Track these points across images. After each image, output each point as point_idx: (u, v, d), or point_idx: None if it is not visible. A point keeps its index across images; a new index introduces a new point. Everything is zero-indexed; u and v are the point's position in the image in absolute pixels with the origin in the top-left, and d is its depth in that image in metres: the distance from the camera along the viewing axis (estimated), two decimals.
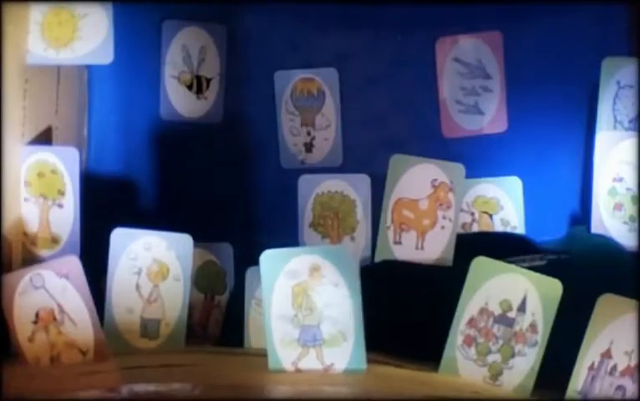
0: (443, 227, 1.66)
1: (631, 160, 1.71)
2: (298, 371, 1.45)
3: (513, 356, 1.47)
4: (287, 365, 1.46)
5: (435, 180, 1.66)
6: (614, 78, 1.75)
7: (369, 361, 1.47)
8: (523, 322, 1.47)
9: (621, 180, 1.72)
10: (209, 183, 1.83)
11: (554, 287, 1.47)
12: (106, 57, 1.68)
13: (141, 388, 1.36)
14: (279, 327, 1.45)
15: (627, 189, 1.71)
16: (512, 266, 1.49)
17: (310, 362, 1.46)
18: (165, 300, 1.60)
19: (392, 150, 1.69)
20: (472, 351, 1.48)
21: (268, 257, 1.46)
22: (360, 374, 1.45)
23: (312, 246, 1.53)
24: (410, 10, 1.81)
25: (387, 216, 1.67)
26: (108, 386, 1.40)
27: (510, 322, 1.47)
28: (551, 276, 1.47)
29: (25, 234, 1.63)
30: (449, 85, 1.84)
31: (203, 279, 1.70)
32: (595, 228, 1.72)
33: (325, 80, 1.83)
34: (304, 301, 1.45)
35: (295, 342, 1.46)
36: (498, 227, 1.81)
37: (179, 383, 1.38)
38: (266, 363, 1.46)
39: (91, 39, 1.67)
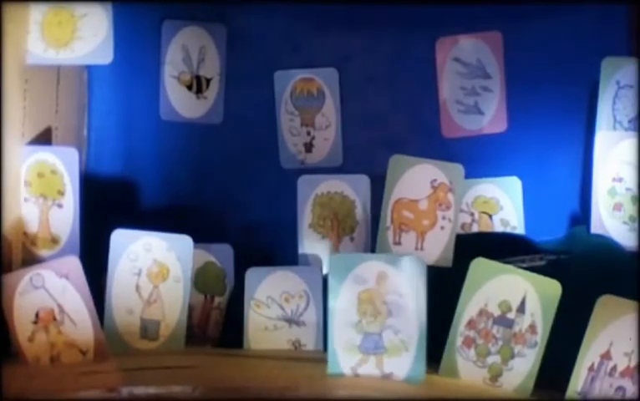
0: (442, 227, 1.66)
1: (630, 160, 1.71)
2: (356, 376, 1.45)
3: (512, 357, 1.47)
4: (346, 370, 1.45)
5: (435, 180, 1.66)
6: (614, 78, 1.75)
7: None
8: (522, 323, 1.47)
9: (620, 180, 1.71)
10: (209, 183, 1.83)
11: (553, 288, 1.47)
12: (106, 57, 1.68)
13: (141, 389, 1.36)
14: (342, 331, 1.45)
15: (627, 189, 1.71)
16: (511, 267, 1.49)
17: (369, 369, 1.45)
18: (165, 301, 1.60)
19: (391, 150, 1.69)
20: (472, 352, 1.48)
21: (336, 261, 1.46)
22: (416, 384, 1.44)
23: (382, 253, 1.52)
24: (410, 10, 1.81)
25: (386, 217, 1.67)
26: (108, 386, 1.41)
27: (509, 323, 1.47)
28: (550, 277, 1.48)
29: (25, 234, 1.63)
30: (448, 85, 1.84)
31: (203, 280, 1.70)
32: (595, 228, 1.72)
33: (325, 80, 1.83)
34: (369, 308, 1.44)
35: (356, 349, 1.45)
36: (498, 227, 1.81)
37: (178, 384, 1.38)
38: (266, 365, 1.46)
39: (91, 39, 1.68)
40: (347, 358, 1.45)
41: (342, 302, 1.45)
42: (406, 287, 1.45)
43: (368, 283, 1.45)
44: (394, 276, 1.45)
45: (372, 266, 1.45)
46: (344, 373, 1.45)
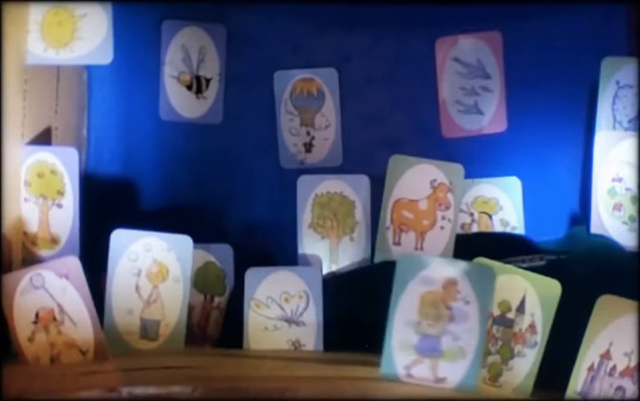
0: (442, 228, 1.66)
1: (630, 160, 1.71)
2: (410, 376, 1.44)
3: (512, 357, 1.47)
4: (400, 369, 1.44)
5: (434, 180, 1.66)
6: (614, 77, 1.75)
7: (367, 362, 1.47)
8: (522, 323, 1.47)
9: (620, 180, 1.72)
10: (209, 183, 1.83)
11: (553, 288, 1.47)
12: (105, 57, 1.68)
13: (141, 389, 1.36)
14: (400, 330, 1.43)
15: (627, 189, 1.71)
16: (510, 267, 1.49)
17: (423, 371, 1.43)
18: (165, 301, 1.60)
19: (391, 150, 1.70)
20: None
21: (406, 261, 1.43)
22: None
23: (453, 259, 1.49)
24: (410, 10, 1.81)
25: (386, 217, 1.67)
26: (108, 386, 1.41)
27: (509, 323, 1.47)
28: (550, 277, 1.48)
29: (25, 234, 1.63)
30: (448, 85, 1.83)
31: (203, 280, 1.70)
32: (594, 228, 1.72)
33: (325, 80, 1.83)
34: (431, 310, 1.42)
35: (412, 349, 1.43)
36: (497, 227, 1.81)
37: (178, 384, 1.38)
38: (266, 365, 1.46)
39: (90, 39, 1.68)
40: (401, 357, 1.43)
41: (405, 301, 1.42)
42: (473, 295, 1.42)
43: (434, 285, 1.42)
44: (463, 283, 1.42)
45: (441, 270, 1.42)
46: (397, 372, 1.44)
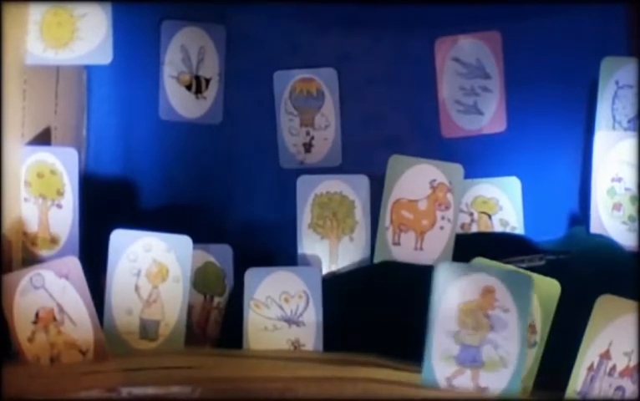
0: (442, 228, 1.66)
1: (630, 160, 1.71)
2: (451, 387, 1.43)
3: None
4: (441, 380, 1.43)
5: (434, 180, 1.66)
6: (613, 77, 1.75)
7: (367, 362, 1.47)
8: None
9: (620, 179, 1.72)
10: (208, 183, 1.83)
11: (552, 287, 1.47)
12: (105, 57, 1.68)
13: (140, 389, 1.36)
14: (440, 340, 1.42)
15: (626, 189, 1.71)
16: (510, 267, 1.49)
17: (464, 381, 1.43)
18: (165, 301, 1.60)
19: (391, 150, 1.70)
20: None
21: (443, 269, 1.43)
22: None
23: (490, 267, 1.46)
24: (410, 10, 1.81)
25: (386, 217, 1.67)
26: (108, 386, 1.41)
27: None
28: (550, 277, 1.47)
29: (25, 234, 1.63)
30: (448, 85, 1.83)
31: (202, 280, 1.70)
32: (594, 228, 1.73)
33: (324, 80, 1.83)
34: (470, 320, 1.42)
35: (452, 359, 1.43)
36: (497, 228, 1.81)
37: (178, 384, 1.38)
38: (265, 365, 1.46)
39: (90, 39, 1.68)
40: (442, 368, 1.43)
41: (443, 311, 1.42)
42: (512, 303, 1.42)
43: (472, 295, 1.42)
44: (501, 291, 1.42)
45: (479, 278, 1.42)
46: (439, 383, 1.43)
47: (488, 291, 1.42)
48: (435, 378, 1.43)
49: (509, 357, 1.42)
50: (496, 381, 1.43)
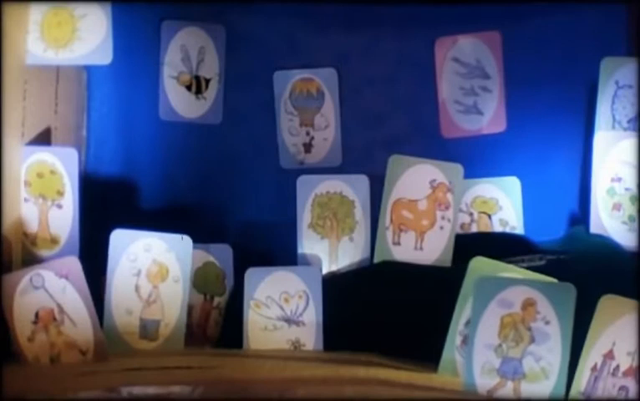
0: (442, 228, 1.66)
1: (630, 160, 1.71)
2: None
3: None
4: (483, 393, 1.43)
5: (434, 180, 1.66)
6: (613, 78, 1.76)
7: (367, 362, 1.47)
8: None
9: (619, 179, 1.72)
10: (208, 183, 1.83)
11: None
12: (105, 57, 1.69)
13: (140, 389, 1.36)
14: (481, 353, 1.43)
15: (626, 189, 1.71)
16: (510, 266, 1.49)
17: (506, 393, 1.43)
18: (165, 301, 1.60)
19: (391, 150, 1.70)
20: None
21: (483, 283, 1.43)
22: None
23: (531, 278, 1.46)
24: (410, 10, 1.81)
25: (386, 217, 1.68)
26: (108, 386, 1.41)
27: None
28: (549, 276, 1.47)
29: (25, 234, 1.63)
30: (448, 85, 1.83)
31: (202, 280, 1.70)
32: (594, 228, 1.73)
33: (324, 80, 1.83)
34: (512, 332, 1.42)
35: (494, 372, 1.43)
36: (497, 227, 1.81)
37: (178, 384, 1.38)
38: (265, 365, 1.46)
39: (90, 40, 1.68)
40: (484, 381, 1.43)
41: (485, 323, 1.42)
42: (553, 315, 1.42)
43: (513, 307, 1.42)
44: (542, 303, 1.42)
45: (519, 290, 1.42)
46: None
47: (529, 304, 1.42)
48: (477, 390, 1.43)
49: (551, 368, 1.42)
50: (538, 393, 1.42)
